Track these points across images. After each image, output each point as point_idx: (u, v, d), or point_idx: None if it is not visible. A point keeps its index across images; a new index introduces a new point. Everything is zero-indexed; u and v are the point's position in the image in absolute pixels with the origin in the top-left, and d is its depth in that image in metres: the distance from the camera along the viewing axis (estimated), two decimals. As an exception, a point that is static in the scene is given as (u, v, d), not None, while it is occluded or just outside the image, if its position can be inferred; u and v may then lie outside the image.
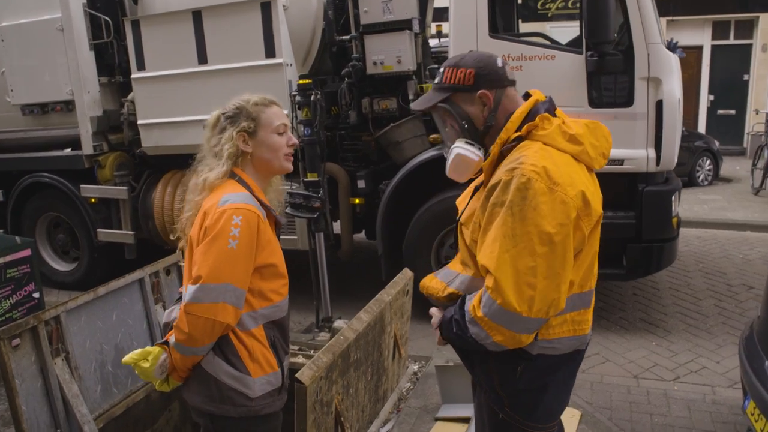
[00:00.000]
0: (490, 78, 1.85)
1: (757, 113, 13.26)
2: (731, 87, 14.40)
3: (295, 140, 2.16)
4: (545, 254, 1.65)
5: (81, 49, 6.16)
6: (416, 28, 5.23)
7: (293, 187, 5.26)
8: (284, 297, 2.16)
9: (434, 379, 4.33)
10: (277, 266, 2.09)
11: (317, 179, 4.95)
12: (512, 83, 1.90)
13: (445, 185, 5.28)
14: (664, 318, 5.52)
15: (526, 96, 1.94)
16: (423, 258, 5.40)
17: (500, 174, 1.74)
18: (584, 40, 4.72)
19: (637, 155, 4.78)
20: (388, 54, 5.24)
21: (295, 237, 5.64)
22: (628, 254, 4.95)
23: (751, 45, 14.29)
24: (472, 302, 1.77)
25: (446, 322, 1.90)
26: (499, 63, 1.87)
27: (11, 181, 6.99)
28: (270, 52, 5.39)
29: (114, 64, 6.43)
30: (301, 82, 4.95)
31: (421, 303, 4.61)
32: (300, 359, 4.69)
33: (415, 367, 4.65)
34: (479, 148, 1.88)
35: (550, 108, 1.87)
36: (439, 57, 6.15)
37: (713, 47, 14.48)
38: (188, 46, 5.69)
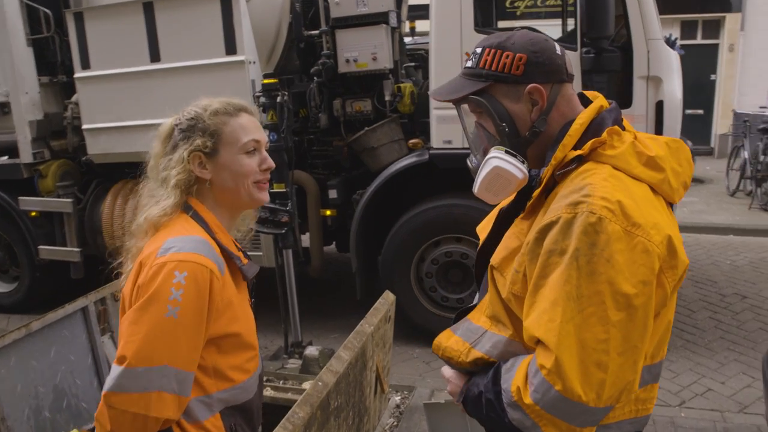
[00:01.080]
0: (545, 69, 1.38)
1: (734, 113, 13.16)
2: (698, 87, 14.30)
3: (271, 162, 1.62)
4: (621, 323, 1.21)
5: (16, 45, 5.55)
6: (393, 21, 4.78)
7: (258, 198, 4.75)
8: (251, 374, 1.61)
9: (421, 413, 3.87)
10: (242, 335, 1.55)
11: (284, 190, 4.44)
12: (571, 78, 1.43)
13: (426, 195, 4.86)
14: (661, 334, 5.17)
15: (582, 99, 1.48)
16: (401, 274, 4.95)
17: (558, 209, 1.28)
18: (579, 35, 4.33)
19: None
20: (363, 50, 4.77)
21: (260, 253, 5.12)
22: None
23: (717, 45, 14.24)
24: (514, 380, 1.31)
25: (473, 399, 1.44)
26: (558, 50, 1.41)
27: (-59, 193, 6.27)
28: (231, 48, 4.87)
29: (56, 61, 5.85)
30: (266, 81, 4.44)
31: (401, 323, 4.21)
32: (268, 392, 4.20)
33: (398, 399, 4.18)
34: (523, 162, 1.40)
35: (618, 118, 1.41)
36: (415, 55, 5.70)
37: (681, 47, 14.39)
38: (139, 42, 5.13)
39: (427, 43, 5.87)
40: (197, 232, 1.51)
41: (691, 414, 3.98)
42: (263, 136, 1.62)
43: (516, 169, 1.38)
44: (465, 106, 1.49)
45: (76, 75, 5.43)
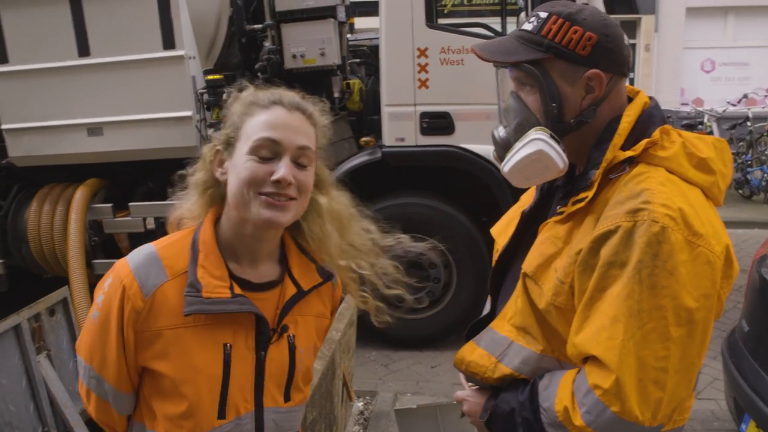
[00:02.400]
0: (613, 56, 1.24)
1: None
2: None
3: (287, 176, 1.20)
4: (681, 339, 1.13)
5: None
6: (341, 16, 4.63)
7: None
8: None
9: (387, 418, 3.78)
10: (172, 380, 1.22)
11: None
12: (628, 74, 1.32)
13: (378, 194, 4.75)
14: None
15: None
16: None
17: (615, 217, 1.17)
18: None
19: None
20: (310, 45, 4.60)
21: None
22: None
23: (635, 45, 14.87)
24: (558, 399, 1.21)
25: (504, 417, 1.32)
26: (627, 40, 1.29)
27: None
28: (168, 42, 4.57)
29: (-33, 56, 5.31)
30: (211, 77, 4.23)
31: (358, 326, 4.09)
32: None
33: (360, 405, 4.05)
34: (564, 150, 1.27)
35: (663, 116, 1.31)
36: (357, 51, 5.57)
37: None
38: (65, 35, 4.72)
39: (368, 39, 5.80)
40: (168, 247, 1.28)
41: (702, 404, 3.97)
42: (293, 141, 1.23)
43: (559, 157, 1.25)
44: (505, 70, 1.33)
45: (-8, 70, 4.98)
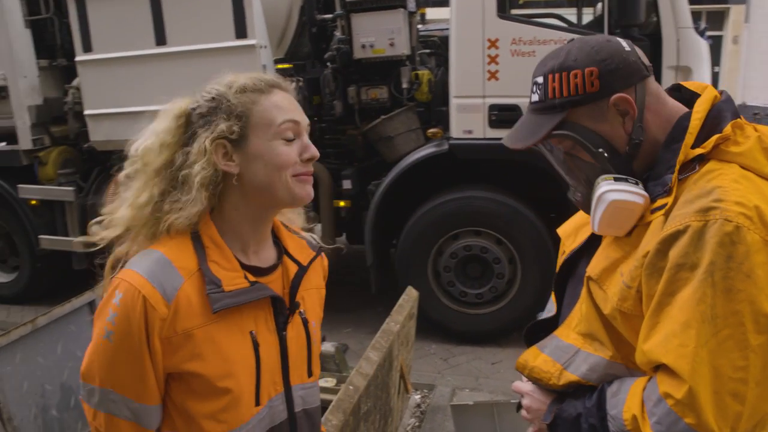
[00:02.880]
0: (622, 73, 1.20)
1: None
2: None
3: (314, 150, 1.30)
4: (762, 347, 1.05)
5: (14, 27, 5.34)
6: (411, 6, 4.60)
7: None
8: (233, 428, 1.26)
9: (443, 414, 3.74)
10: (208, 378, 1.22)
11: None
12: (650, 70, 1.25)
13: (444, 187, 4.71)
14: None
15: (677, 91, 1.31)
16: (418, 268, 4.79)
17: (684, 216, 1.11)
18: (606, 21, 4.16)
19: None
20: (380, 36, 4.59)
21: (272, 245, 4.95)
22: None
23: (722, 37, 14.15)
24: (626, 407, 1.15)
25: (570, 422, 1.27)
26: (626, 46, 1.23)
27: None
28: (241, 31, 4.66)
29: (55, 44, 5.64)
30: (280, 66, 4.30)
31: (417, 319, 4.07)
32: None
33: (418, 398, 4.04)
34: (636, 183, 1.21)
35: (736, 110, 1.23)
36: (428, 42, 5.52)
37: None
38: (144, 24, 4.90)
39: (440, 29, 5.74)
40: (172, 248, 1.24)
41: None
42: (304, 118, 1.30)
43: (634, 195, 1.19)
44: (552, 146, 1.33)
45: (78, 58, 5.21)
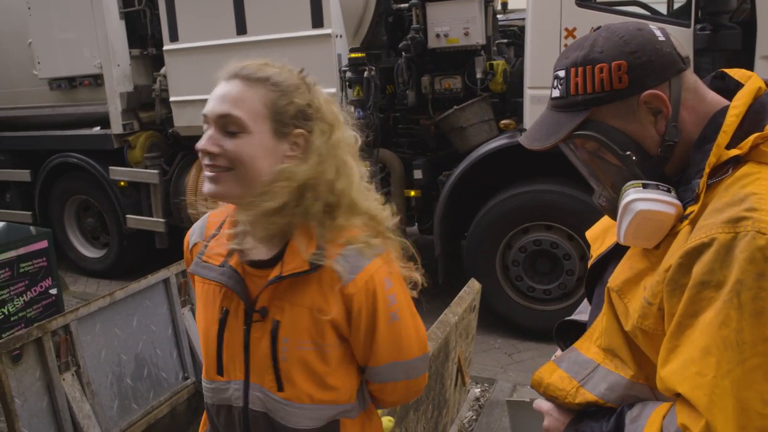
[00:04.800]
0: (654, 67, 1.07)
1: None
2: None
3: (207, 146, 1.24)
4: None
5: (110, 18, 5.64)
6: (488, -6, 4.51)
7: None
8: (204, 378, 1.40)
9: (501, 409, 3.69)
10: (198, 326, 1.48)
11: (369, 168, 4.30)
12: (688, 62, 1.11)
13: (515, 179, 4.61)
14: None
15: (721, 80, 1.18)
16: (486, 261, 4.72)
17: (711, 227, 0.98)
18: (693, 9, 3.93)
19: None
20: (454, 25, 4.54)
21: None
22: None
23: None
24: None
25: None
26: (659, 35, 1.10)
27: (39, 161, 6.53)
28: (317, 21, 4.74)
29: (146, 34, 5.92)
30: (353, 56, 4.32)
31: (483, 312, 4.02)
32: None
33: (477, 392, 4.00)
34: (668, 190, 1.08)
35: None
36: (507, 32, 5.41)
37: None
38: (226, 15, 5.08)
39: (520, 19, 5.60)
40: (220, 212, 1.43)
41: None
42: (215, 109, 1.24)
43: (664, 205, 1.06)
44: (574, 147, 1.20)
45: (165, 47, 5.47)
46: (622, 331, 1.14)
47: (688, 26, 3.96)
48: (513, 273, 4.70)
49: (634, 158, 1.11)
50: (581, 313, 1.46)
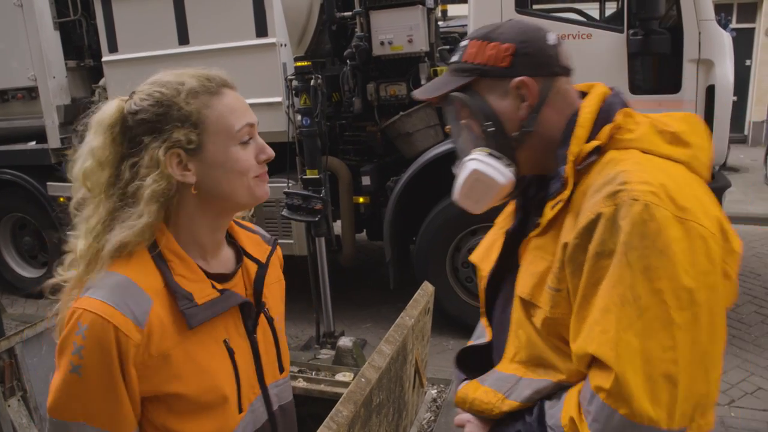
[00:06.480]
0: (535, 60, 1.21)
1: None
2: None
3: (270, 151, 1.25)
4: (687, 324, 1.02)
5: (43, 28, 5.50)
6: (430, 2, 4.61)
7: (290, 185, 4.63)
8: None
9: (458, 409, 3.74)
10: (188, 397, 1.16)
11: (318, 176, 4.31)
12: (566, 72, 1.25)
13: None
14: (705, 328, 4.98)
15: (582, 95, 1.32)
16: (436, 264, 4.81)
17: (594, 206, 1.09)
18: (626, 15, 4.12)
19: (684, 148, 4.21)
20: (398, 32, 4.60)
21: (292, 241, 5.01)
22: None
23: (754, 29, 13.82)
24: (564, 413, 1.12)
25: None
26: (551, 40, 1.24)
27: (-31, 178, 6.24)
28: (261, 30, 4.74)
29: (83, 45, 5.78)
30: (299, 64, 4.31)
31: (435, 314, 4.09)
32: (300, 383, 4.10)
33: (434, 393, 4.05)
34: (508, 165, 1.22)
35: (625, 101, 1.25)
36: (449, 38, 5.52)
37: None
38: (167, 25, 5.01)
39: (461, 26, 5.73)
40: (133, 265, 1.15)
41: (743, 414, 3.80)
42: (255, 117, 1.24)
43: (497, 172, 1.20)
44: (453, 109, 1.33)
45: (104, 59, 5.35)
46: (540, 338, 1.20)
47: (621, 31, 4.15)
48: (463, 274, 4.79)
49: (492, 130, 1.23)
50: (480, 338, 1.50)
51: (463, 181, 1.24)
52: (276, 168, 5.10)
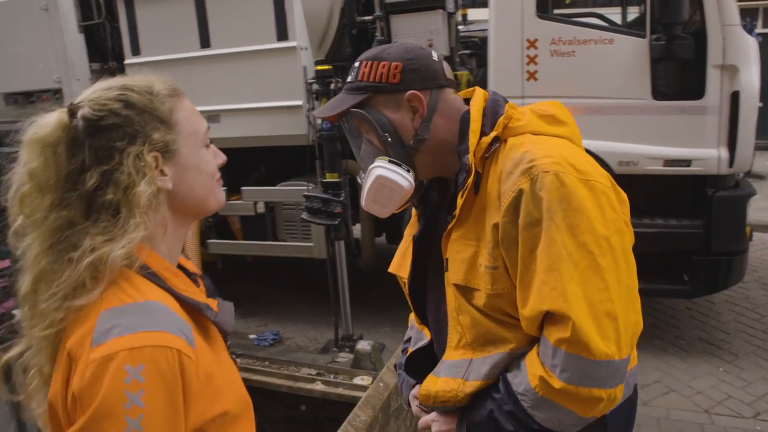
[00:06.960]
0: (422, 75, 1.37)
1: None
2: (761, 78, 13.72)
3: (223, 154, 1.22)
4: (610, 266, 1.21)
5: (69, 32, 5.54)
6: (450, 7, 4.58)
7: (310, 189, 4.64)
8: None
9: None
10: (229, 412, 1.05)
11: (338, 180, 4.32)
12: (451, 84, 1.42)
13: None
14: (727, 338, 4.90)
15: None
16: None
17: (513, 185, 1.24)
18: (648, 20, 4.08)
19: (707, 155, 4.16)
20: (418, 37, 4.57)
21: (311, 244, 5.01)
22: (693, 268, 4.35)
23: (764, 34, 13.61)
24: (530, 376, 1.24)
25: (484, 423, 1.32)
26: (435, 56, 1.41)
27: (-6, 178, 6.33)
28: (282, 34, 4.76)
29: (107, 48, 5.81)
30: (320, 68, 4.33)
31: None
32: (318, 386, 4.12)
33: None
34: (408, 170, 1.37)
35: (504, 98, 1.42)
36: (468, 43, 5.50)
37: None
38: (189, 28, 5.06)
39: (481, 30, 5.71)
40: (144, 289, 1.01)
41: (767, 427, 3.74)
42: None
43: (400, 177, 1.35)
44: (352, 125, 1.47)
45: (127, 61, 5.40)
46: (488, 316, 1.33)
47: (644, 37, 4.10)
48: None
49: (390, 140, 1.36)
50: (419, 341, 1.62)
51: (368, 187, 1.37)
52: (296, 171, 5.13)
